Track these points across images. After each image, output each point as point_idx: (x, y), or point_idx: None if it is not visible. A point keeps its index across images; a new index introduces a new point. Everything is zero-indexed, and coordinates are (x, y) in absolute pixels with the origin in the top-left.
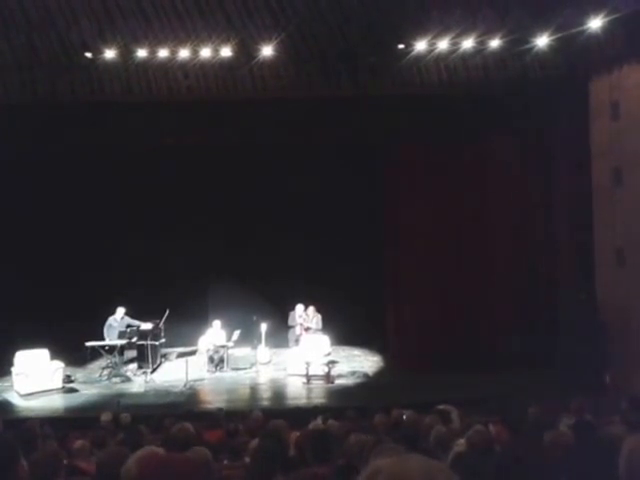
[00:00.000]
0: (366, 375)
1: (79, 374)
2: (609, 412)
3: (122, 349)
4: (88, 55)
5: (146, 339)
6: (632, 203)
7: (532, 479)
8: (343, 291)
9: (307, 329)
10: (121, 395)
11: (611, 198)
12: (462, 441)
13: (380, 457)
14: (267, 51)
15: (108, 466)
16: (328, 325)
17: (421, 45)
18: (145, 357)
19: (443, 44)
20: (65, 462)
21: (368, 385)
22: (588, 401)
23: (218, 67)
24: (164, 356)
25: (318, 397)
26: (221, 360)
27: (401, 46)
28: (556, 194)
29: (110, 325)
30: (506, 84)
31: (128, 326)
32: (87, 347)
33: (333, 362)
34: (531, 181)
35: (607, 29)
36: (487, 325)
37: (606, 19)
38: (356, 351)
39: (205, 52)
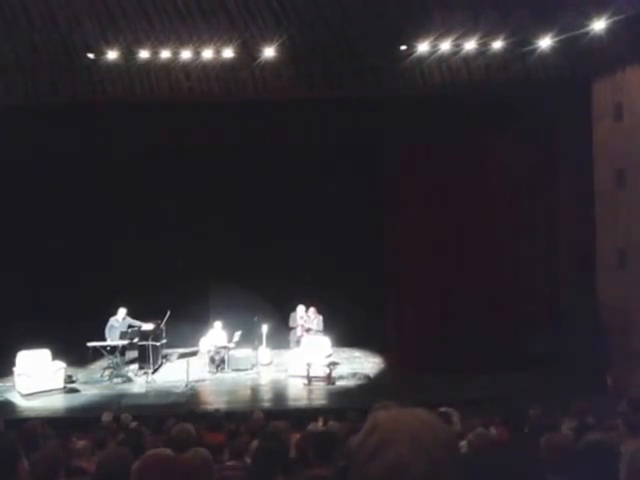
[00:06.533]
0: (367, 376)
1: (80, 374)
2: (611, 414)
3: (123, 349)
4: (90, 56)
5: (147, 340)
6: (634, 204)
7: None
8: (343, 292)
9: (308, 330)
10: (122, 395)
11: (613, 199)
12: (463, 443)
13: (379, 411)
14: (269, 52)
15: (108, 466)
16: (329, 326)
17: (423, 46)
18: (146, 358)
19: (445, 45)
20: (66, 462)
21: (369, 386)
22: (589, 402)
23: (220, 68)
24: (165, 357)
25: (319, 398)
26: (222, 361)
27: (403, 47)
28: (558, 195)
29: (112, 326)
30: (508, 85)
31: (129, 327)
32: (89, 347)
33: (334, 363)
34: (533, 182)
35: (610, 30)
36: (487, 325)
37: (609, 20)
38: (357, 352)
39: (207, 53)
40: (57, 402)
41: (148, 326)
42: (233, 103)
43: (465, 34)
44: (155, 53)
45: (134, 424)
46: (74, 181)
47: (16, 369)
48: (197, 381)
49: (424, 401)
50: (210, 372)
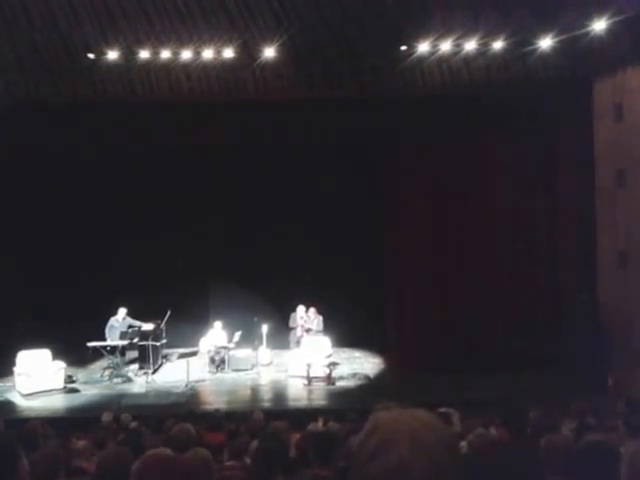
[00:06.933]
0: (367, 377)
1: (81, 374)
2: (611, 415)
3: (123, 350)
4: (90, 56)
5: (147, 340)
6: (635, 205)
7: None
8: (343, 292)
9: (308, 330)
10: (122, 395)
11: (614, 200)
12: (463, 444)
13: (380, 412)
14: (269, 52)
15: (108, 466)
16: (329, 326)
17: (423, 46)
18: (146, 358)
19: (446, 45)
20: (66, 462)
21: (369, 387)
22: (589, 403)
23: (220, 68)
24: (165, 357)
25: (319, 399)
26: (222, 361)
27: (403, 47)
28: (559, 196)
29: (112, 326)
30: (509, 86)
31: (130, 327)
32: (89, 347)
33: (334, 364)
34: (533, 182)
35: (611, 31)
36: (487, 325)
37: (610, 21)
38: (357, 353)
39: (207, 53)
40: (57, 402)
41: (148, 326)
42: (233, 103)
43: (465, 34)
44: (155, 53)
45: (134, 424)
46: (74, 181)
47: (16, 369)
48: (197, 381)
49: (424, 401)
50: (210, 372)
